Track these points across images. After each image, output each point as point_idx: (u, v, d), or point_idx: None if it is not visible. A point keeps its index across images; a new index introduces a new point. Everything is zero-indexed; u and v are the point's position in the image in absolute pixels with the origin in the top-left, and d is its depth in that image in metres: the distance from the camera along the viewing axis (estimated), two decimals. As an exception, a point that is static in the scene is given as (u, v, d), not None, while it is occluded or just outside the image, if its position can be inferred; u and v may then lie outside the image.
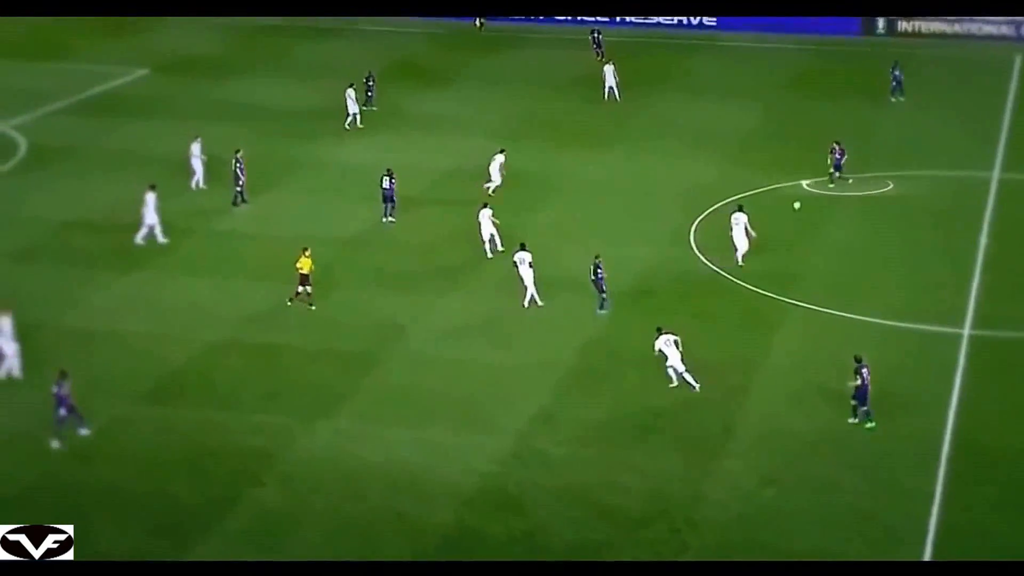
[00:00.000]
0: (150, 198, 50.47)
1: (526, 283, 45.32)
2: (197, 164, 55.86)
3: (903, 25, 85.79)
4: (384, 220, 52.62)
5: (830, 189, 55.86)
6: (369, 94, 67.09)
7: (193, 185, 55.84)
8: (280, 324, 44.06)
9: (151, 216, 50.38)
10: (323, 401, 39.11)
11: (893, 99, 69.73)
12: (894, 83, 70.01)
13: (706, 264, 48.66)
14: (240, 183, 54.26)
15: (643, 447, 36.71)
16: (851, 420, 37.22)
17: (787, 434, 37.04)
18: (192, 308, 45.10)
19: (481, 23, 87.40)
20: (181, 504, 34.01)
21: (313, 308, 45.03)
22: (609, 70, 70.74)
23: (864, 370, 36.96)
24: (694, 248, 50.12)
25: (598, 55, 77.68)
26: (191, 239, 51.16)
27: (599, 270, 44.77)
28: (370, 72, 68.07)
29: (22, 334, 42.30)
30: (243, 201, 54.44)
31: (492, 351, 42.19)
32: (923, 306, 45.01)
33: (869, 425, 37.10)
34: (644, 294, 46.40)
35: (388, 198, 52.73)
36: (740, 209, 49.27)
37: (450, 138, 62.45)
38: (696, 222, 52.37)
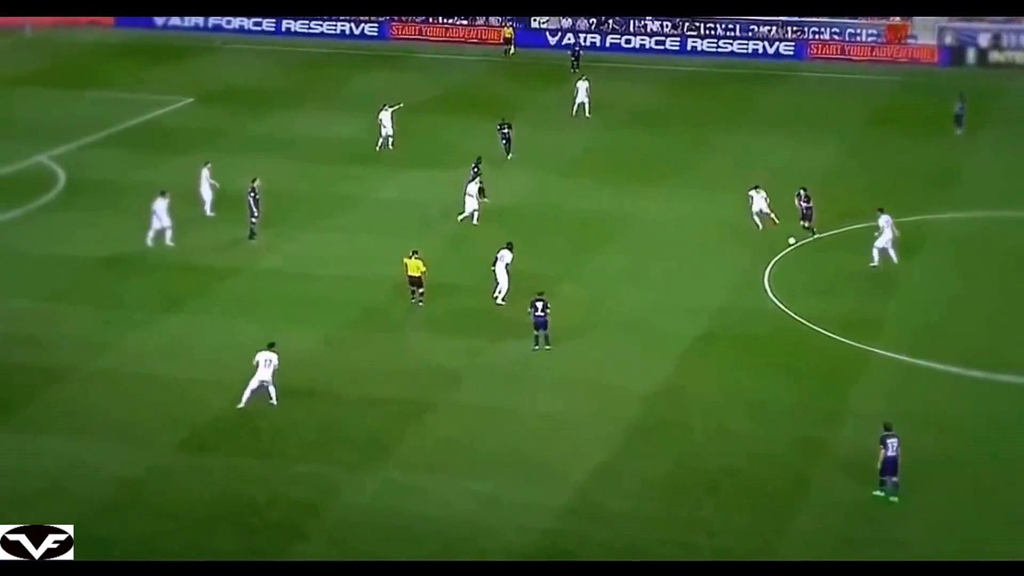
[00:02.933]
0: (160, 204, 53.57)
1: (499, 280, 47.96)
2: (206, 191, 56.96)
3: (995, 56, 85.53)
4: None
5: (810, 238, 54.10)
6: (505, 142, 65.53)
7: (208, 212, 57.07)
8: (326, 368, 44.19)
9: (164, 219, 53.55)
10: (371, 450, 39.13)
11: (958, 133, 69.21)
12: (956, 116, 69.43)
13: (782, 309, 48.43)
14: (255, 216, 54.76)
15: (711, 503, 36.47)
16: (876, 492, 36.39)
17: (868, 493, 36.55)
18: (234, 351, 45.19)
19: (509, 50, 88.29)
20: (218, 558, 34.02)
21: (421, 305, 47.87)
22: (583, 86, 72.31)
23: (892, 440, 36.12)
24: (769, 292, 49.90)
25: (574, 68, 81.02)
26: (233, 278, 51.49)
27: (540, 307, 44.77)
28: (503, 119, 66.55)
29: (54, 377, 42.80)
30: (252, 236, 54.84)
31: (550, 399, 42.12)
32: (1013, 355, 44.52)
33: (882, 493, 36.25)
34: (715, 340, 46.23)
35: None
36: (882, 211, 51.89)
37: (505, 173, 62.54)
38: (771, 264, 52.16)
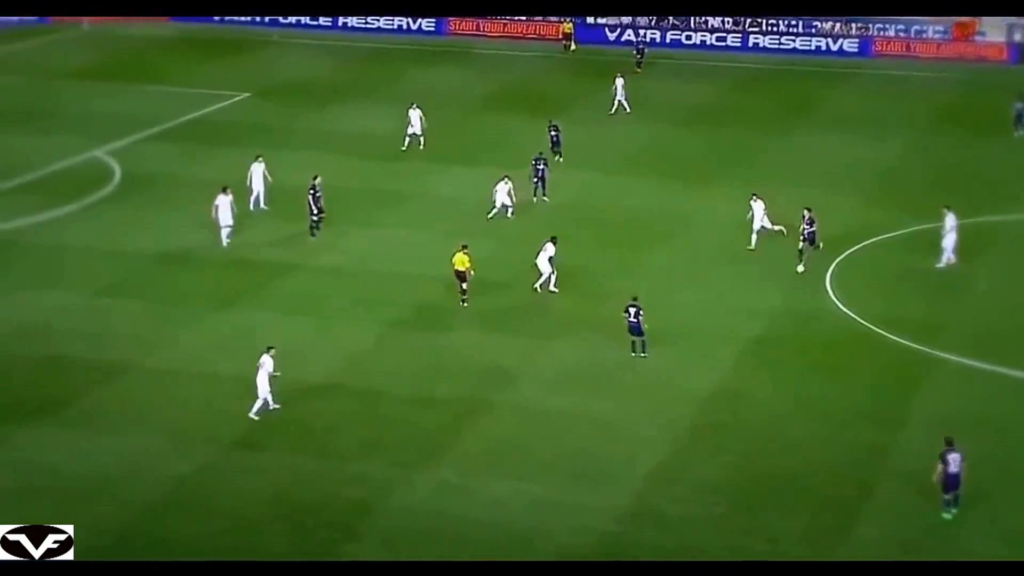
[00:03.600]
0: (223, 200, 53.43)
1: (542, 271, 48.63)
2: (258, 185, 57.33)
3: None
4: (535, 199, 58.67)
5: (798, 272, 51.03)
6: (553, 144, 63.95)
7: (252, 206, 57.22)
8: (381, 367, 44.25)
9: (226, 216, 53.44)
10: (425, 450, 39.11)
11: (1017, 134, 68.41)
12: (1017, 116, 68.66)
13: (843, 310, 48.07)
14: (314, 214, 54.89)
15: (770, 509, 36.22)
16: (945, 515, 35.50)
17: (930, 499, 36.16)
18: (289, 349, 45.17)
19: (569, 46, 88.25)
20: (271, 558, 34.09)
21: (465, 306, 47.51)
22: (619, 82, 72.64)
23: (953, 455, 35.11)
24: (830, 293, 49.53)
25: (638, 66, 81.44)
26: (287, 275, 51.61)
27: (633, 313, 44.20)
28: (550, 121, 65.41)
29: (107, 373, 43.07)
30: (312, 233, 54.98)
31: (606, 401, 41.98)
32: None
33: (949, 514, 35.36)
34: (774, 342, 45.95)
35: (541, 178, 58.79)
36: (949, 209, 51.38)
37: (562, 171, 62.29)
38: (832, 265, 51.75)
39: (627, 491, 37.03)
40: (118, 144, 67.39)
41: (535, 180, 58.93)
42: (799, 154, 66.40)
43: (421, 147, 65.88)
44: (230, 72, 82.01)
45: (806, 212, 51.40)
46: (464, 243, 48.76)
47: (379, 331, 46.74)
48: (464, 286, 48.18)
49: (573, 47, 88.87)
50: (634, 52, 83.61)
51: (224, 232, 53.81)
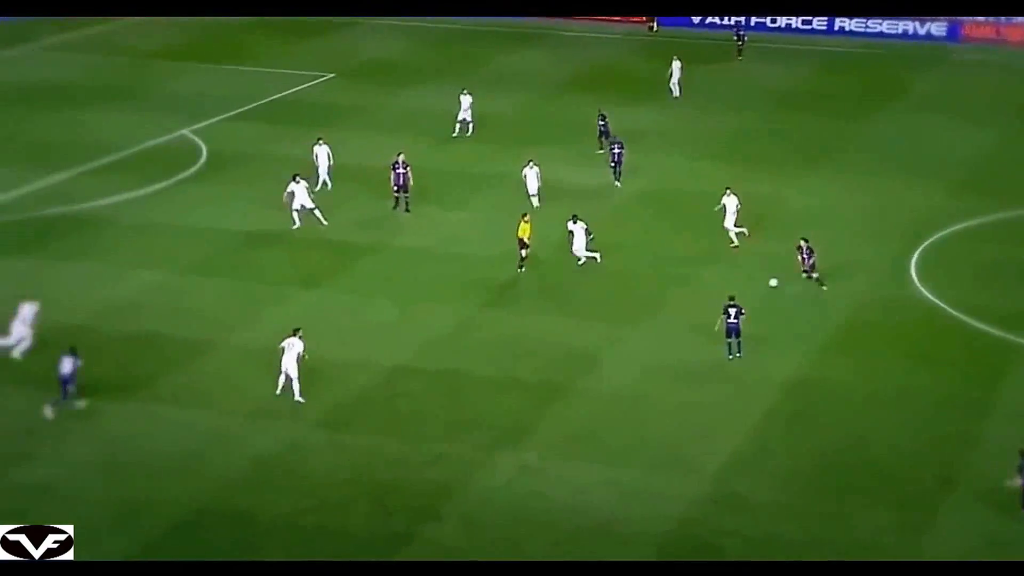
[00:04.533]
0: (299, 189, 53.54)
1: (574, 248, 49.55)
2: (323, 165, 57.56)
3: None
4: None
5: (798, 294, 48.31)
6: (601, 135, 63.02)
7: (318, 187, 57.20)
8: (464, 349, 44.38)
9: (306, 202, 53.60)
10: (507, 433, 39.22)
11: None
12: None
13: (929, 298, 47.66)
14: (396, 189, 55.25)
15: (851, 498, 36.01)
16: None
17: (1015, 494, 35.72)
18: (372, 329, 45.68)
19: (653, 26, 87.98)
20: (352, 539, 34.37)
21: (521, 271, 49.19)
22: (676, 65, 72.08)
23: None
24: (915, 281, 49.11)
25: (739, 53, 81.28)
26: (368, 256, 51.90)
27: (733, 314, 43.13)
28: (600, 111, 64.21)
29: (192, 350, 43.60)
30: (406, 210, 55.46)
31: (687, 387, 41.90)
32: None
33: None
34: (857, 329, 45.65)
35: (617, 162, 58.50)
36: None
37: (647, 156, 62.12)
38: (917, 253, 51.32)
39: (708, 477, 36.98)
40: (205, 123, 67.97)
41: (612, 164, 58.73)
42: (884, 140, 65.78)
43: (469, 133, 65.74)
44: (315, 53, 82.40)
45: (803, 243, 48.40)
46: (524, 212, 50.32)
47: (460, 313, 46.88)
48: (524, 253, 49.03)
49: (656, 28, 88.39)
50: (734, 37, 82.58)
51: (299, 215, 53.67)
